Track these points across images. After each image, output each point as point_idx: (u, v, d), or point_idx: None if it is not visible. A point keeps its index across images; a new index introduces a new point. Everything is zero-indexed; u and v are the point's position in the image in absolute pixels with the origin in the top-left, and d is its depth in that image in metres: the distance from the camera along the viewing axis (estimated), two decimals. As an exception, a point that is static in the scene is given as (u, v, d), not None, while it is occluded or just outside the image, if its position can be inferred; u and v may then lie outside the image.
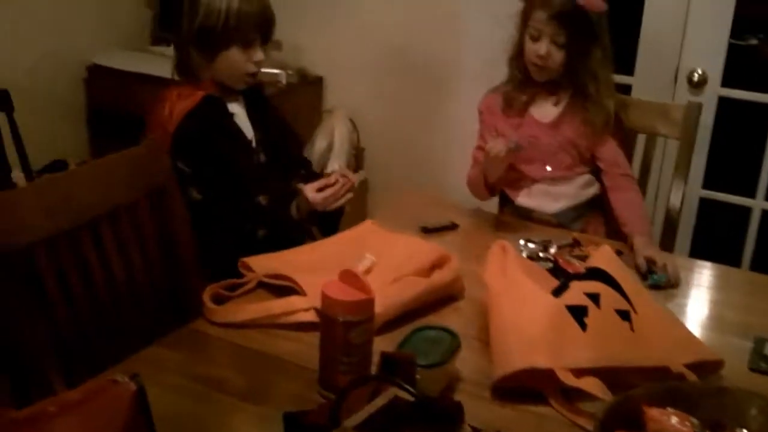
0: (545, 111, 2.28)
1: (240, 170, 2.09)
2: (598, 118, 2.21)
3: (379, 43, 3.51)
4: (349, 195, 2.07)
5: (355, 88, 3.63)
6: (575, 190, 2.29)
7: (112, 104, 3.50)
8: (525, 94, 2.28)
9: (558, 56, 2.18)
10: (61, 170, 3.08)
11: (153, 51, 3.67)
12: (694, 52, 2.96)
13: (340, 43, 3.59)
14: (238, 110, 2.16)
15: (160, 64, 3.46)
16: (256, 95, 2.24)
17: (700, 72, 2.96)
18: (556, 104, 2.28)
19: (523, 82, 2.28)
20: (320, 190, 2.03)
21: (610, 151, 2.26)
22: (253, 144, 2.15)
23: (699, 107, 2.44)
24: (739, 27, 3.05)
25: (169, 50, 3.56)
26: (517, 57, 2.28)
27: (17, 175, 2.88)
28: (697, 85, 2.97)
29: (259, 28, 2.09)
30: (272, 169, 2.17)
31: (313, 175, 2.24)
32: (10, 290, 1.44)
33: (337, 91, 3.66)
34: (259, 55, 2.10)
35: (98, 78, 3.51)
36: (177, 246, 1.79)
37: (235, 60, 2.08)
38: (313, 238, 2.11)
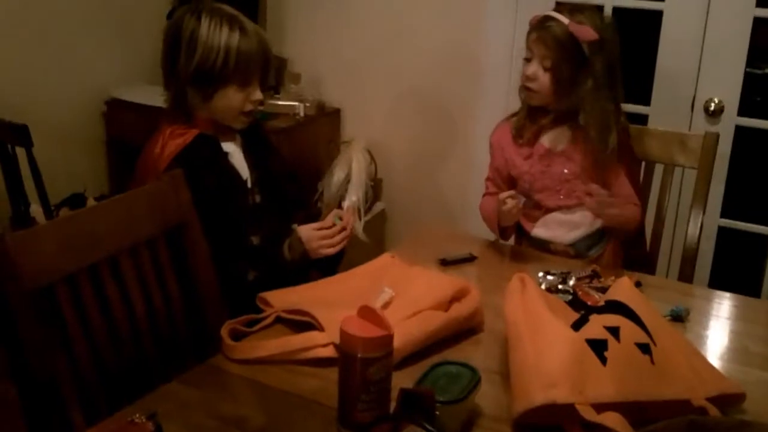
0: (555, 140, 2.30)
1: (233, 211, 2.07)
2: (601, 145, 2.22)
3: (396, 76, 3.54)
4: (344, 243, 2.07)
5: (372, 120, 3.65)
6: (590, 217, 2.29)
7: (130, 138, 3.51)
8: (535, 123, 2.30)
9: (544, 78, 2.20)
10: (79, 204, 3.10)
11: (171, 85, 3.69)
12: (711, 81, 2.97)
13: (358, 76, 3.61)
14: (233, 149, 2.13)
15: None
16: (254, 134, 2.21)
17: (716, 101, 2.96)
18: (565, 133, 2.29)
19: (532, 111, 2.30)
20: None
21: (622, 186, 2.28)
22: (249, 184, 2.12)
23: (716, 137, 2.44)
24: (756, 56, 3.05)
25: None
26: (523, 87, 2.31)
27: (35, 210, 2.90)
28: (714, 114, 2.97)
29: (258, 67, 2.08)
30: (268, 211, 2.15)
31: (315, 217, 2.23)
32: (32, 327, 1.44)
33: (354, 123, 3.69)
34: (257, 94, 2.09)
35: (117, 111, 3.55)
36: (197, 281, 1.80)
37: (232, 99, 2.06)
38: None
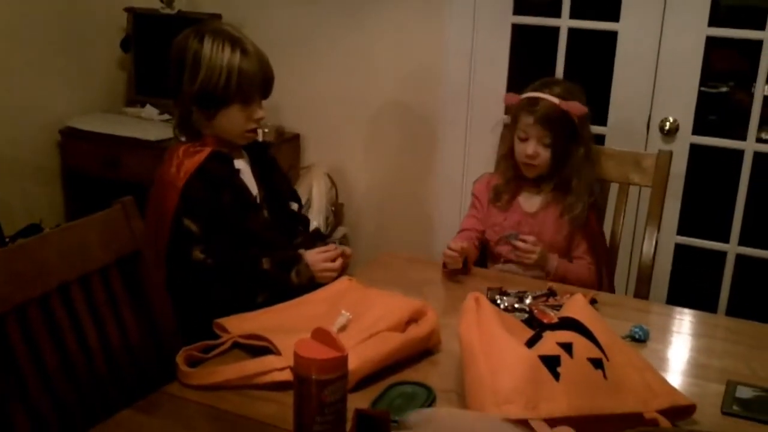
0: (530, 201, 2.44)
1: (247, 226, 2.11)
2: (575, 209, 2.36)
3: (356, 101, 3.55)
4: (342, 267, 2.13)
5: (332, 145, 3.66)
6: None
7: (87, 167, 3.51)
8: (514, 187, 2.44)
9: (545, 155, 2.35)
10: (35, 234, 3.06)
11: (127, 113, 3.70)
12: (666, 100, 3.02)
13: (317, 101, 3.62)
14: (243, 166, 2.18)
15: (134, 125, 3.50)
16: (259, 152, 2.27)
17: (671, 120, 3.00)
18: (540, 195, 2.43)
19: (513, 177, 2.44)
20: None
21: (580, 248, 2.41)
22: (258, 200, 2.17)
23: (670, 155, 2.48)
24: (709, 75, 3.10)
25: (144, 111, 3.62)
26: (509, 155, 2.44)
27: (-10, 242, 2.87)
28: (669, 134, 3.01)
29: (259, 87, 2.12)
30: (274, 226, 2.19)
31: (313, 235, 2.32)
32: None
33: (314, 149, 3.69)
34: (259, 112, 2.13)
35: (73, 141, 3.53)
36: (153, 310, 1.78)
37: (235, 118, 2.10)
38: None
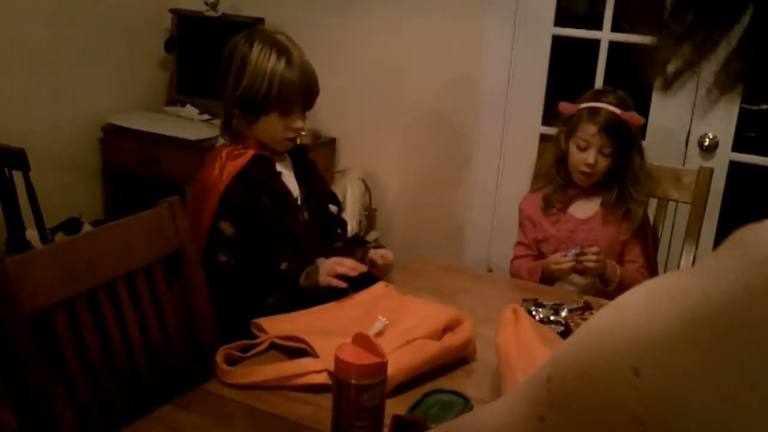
0: (583, 209, 2.44)
1: (285, 227, 2.12)
2: (634, 216, 2.38)
3: (393, 106, 3.56)
4: (358, 270, 2.02)
5: (368, 150, 3.67)
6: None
7: (126, 164, 3.56)
8: (565, 195, 2.44)
9: (604, 164, 2.36)
10: (74, 229, 3.12)
11: (168, 112, 3.75)
12: (705, 117, 2.99)
13: (354, 106, 3.64)
14: (284, 169, 2.20)
15: (174, 124, 3.54)
16: (301, 155, 2.29)
17: (711, 137, 2.99)
18: (593, 202, 2.43)
19: (564, 185, 2.44)
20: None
21: (634, 251, 2.41)
22: (299, 202, 2.19)
23: (710, 172, 2.47)
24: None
25: (184, 111, 3.67)
26: (561, 163, 2.45)
27: (31, 234, 2.91)
28: (708, 150, 3.00)
29: (300, 98, 2.13)
30: (313, 227, 2.21)
31: (352, 241, 2.33)
32: (30, 352, 1.45)
33: (350, 153, 3.71)
34: (298, 123, 2.14)
35: (114, 138, 3.58)
36: (194, 308, 1.81)
37: (274, 125, 2.12)
38: None
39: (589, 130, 2.34)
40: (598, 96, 2.39)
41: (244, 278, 2.04)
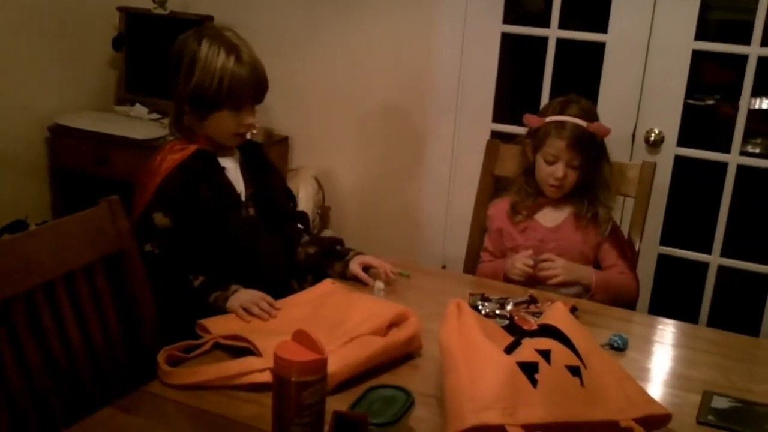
0: (551, 217, 2.44)
1: (227, 224, 2.11)
2: (602, 220, 2.38)
3: (344, 104, 3.56)
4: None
5: (320, 148, 3.67)
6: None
7: (75, 164, 3.52)
8: (533, 204, 2.44)
9: (573, 176, 2.37)
10: (21, 230, 3.07)
11: (117, 111, 3.71)
12: (651, 112, 3.04)
13: (306, 104, 3.63)
14: (230, 165, 2.19)
15: (124, 124, 3.50)
16: (253, 151, 2.28)
17: (657, 132, 3.02)
18: (561, 211, 2.43)
19: (532, 194, 2.44)
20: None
21: (610, 256, 2.40)
22: (243, 198, 2.17)
23: (653, 166, 2.50)
24: (696, 88, 3.12)
25: (134, 110, 3.63)
26: (528, 173, 2.45)
27: (-25, 236, 2.87)
28: (654, 145, 3.03)
29: (251, 94, 2.13)
30: (261, 223, 2.19)
31: (330, 251, 2.29)
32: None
33: (303, 151, 3.70)
34: (249, 119, 2.14)
35: (62, 138, 3.53)
36: (136, 309, 1.79)
37: (225, 122, 2.12)
38: None
39: (556, 145, 2.34)
40: (564, 108, 2.39)
41: (167, 270, 2.00)
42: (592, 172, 2.39)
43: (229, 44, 2.09)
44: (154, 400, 1.56)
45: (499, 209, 2.52)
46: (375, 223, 3.64)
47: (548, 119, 2.38)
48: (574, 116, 2.35)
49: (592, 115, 2.40)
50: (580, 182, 2.38)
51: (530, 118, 2.44)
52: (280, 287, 2.04)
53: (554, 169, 2.35)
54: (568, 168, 2.35)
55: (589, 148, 2.35)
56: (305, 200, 3.45)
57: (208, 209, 2.07)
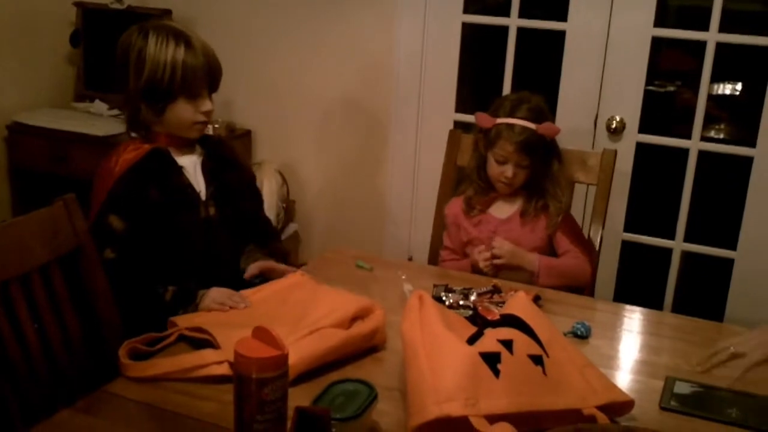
0: (503, 209, 2.48)
1: (178, 225, 2.07)
2: (552, 211, 2.41)
3: (307, 96, 3.55)
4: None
5: (284, 141, 3.65)
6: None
7: (34, 163, 3.47)
8: (486, 197, 2.48)
9: (522, 175, 2.41)
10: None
11: (76, 108, 3.66)
12: (612, 99, 3.05)
13: (268, 97, 3.61)
14: (189, 163, 2.16)
15: (83, 121, 3.46)
16: (216, 149, 2.25)
17: (618, 119, 3.04)
18: (512, 203, 2.46)
19: (485, 189, 2.48)
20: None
21: (563, 243, 2.42)
22: (203, 197, 2.14)
23: (614, 154, 2.51)
24: (656, 74, 3.13)
25: (93, 106, 3.59)
26: (481, 169, 2.48)
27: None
28: (616, 132, 3.04)
29: (205, 80, 2.11)
30: (222, 224, 2.15)
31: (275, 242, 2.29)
32: None
33: (266, 145, 3.68)
34: (207, 105, 2.12)
35: (20, 136, 3.49)
36: (95, 307, 1.77)
37: (182, 111, 2.09)
38: None
39: (506, 148, 2.36)
40: (514, 110, 2.40)
41: (128, 276, 1.97)
42: (542, 170, 2.42)
43: (176, 33, 2.07)
44: (115, 399, 1.54)
45: (454, 206, 2.54)
46: (340, 216, 3.63)
47: (499, 121, 2.40)
48: (524, 118, 2.37)
49: (542, 116, 2.41)
50: (530, 179, 2.42)
51: (482, 118, 2.45)
52: (238, 289, 2.00)
53: (504, 169, 2.39)
54: (517, 168, 2.38)
55: (538, 149, 2.38)
56: (269, 194, 3.43)
57: (158, 211, 2.04)
